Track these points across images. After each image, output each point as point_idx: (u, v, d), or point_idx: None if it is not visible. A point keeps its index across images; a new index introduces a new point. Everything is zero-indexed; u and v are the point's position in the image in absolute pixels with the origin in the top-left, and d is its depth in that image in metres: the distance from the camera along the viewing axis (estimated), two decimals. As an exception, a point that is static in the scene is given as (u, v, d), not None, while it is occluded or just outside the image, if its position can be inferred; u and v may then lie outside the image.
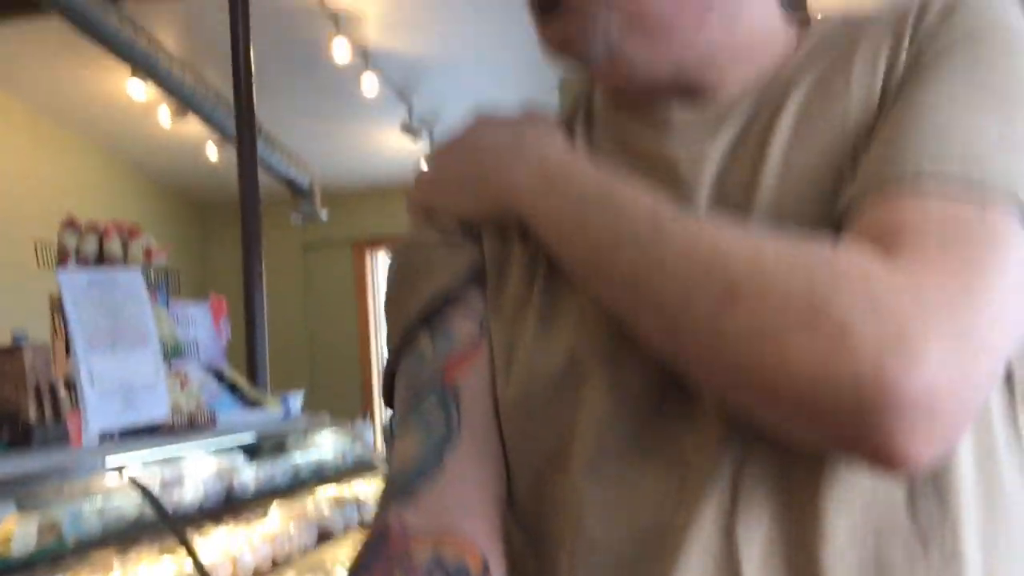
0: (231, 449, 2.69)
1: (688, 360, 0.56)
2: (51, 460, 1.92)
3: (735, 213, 0.60)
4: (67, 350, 2.18)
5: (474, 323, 0.67)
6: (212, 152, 5.76)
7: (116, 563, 2.19)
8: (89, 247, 2.40)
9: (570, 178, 0.62)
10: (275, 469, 2.80)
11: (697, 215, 0.60)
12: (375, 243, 7.12)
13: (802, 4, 0.70)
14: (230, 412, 2.68)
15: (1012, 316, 0.51)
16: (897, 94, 0.59)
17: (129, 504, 2.16)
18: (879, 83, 0.60)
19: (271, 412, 2.87)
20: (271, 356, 3.82)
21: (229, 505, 2.53)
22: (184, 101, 4.76)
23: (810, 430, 0.52)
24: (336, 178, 6.55)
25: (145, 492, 2.13)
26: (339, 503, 3.12)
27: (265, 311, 3.77)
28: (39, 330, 2.30)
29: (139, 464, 2.28)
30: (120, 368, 2.19)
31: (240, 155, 4.09)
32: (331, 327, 7.05)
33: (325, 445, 3.24)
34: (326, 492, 3.13)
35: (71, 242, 2.40)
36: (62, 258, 2.39)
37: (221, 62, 4.29)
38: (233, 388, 2.82)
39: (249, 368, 3.57)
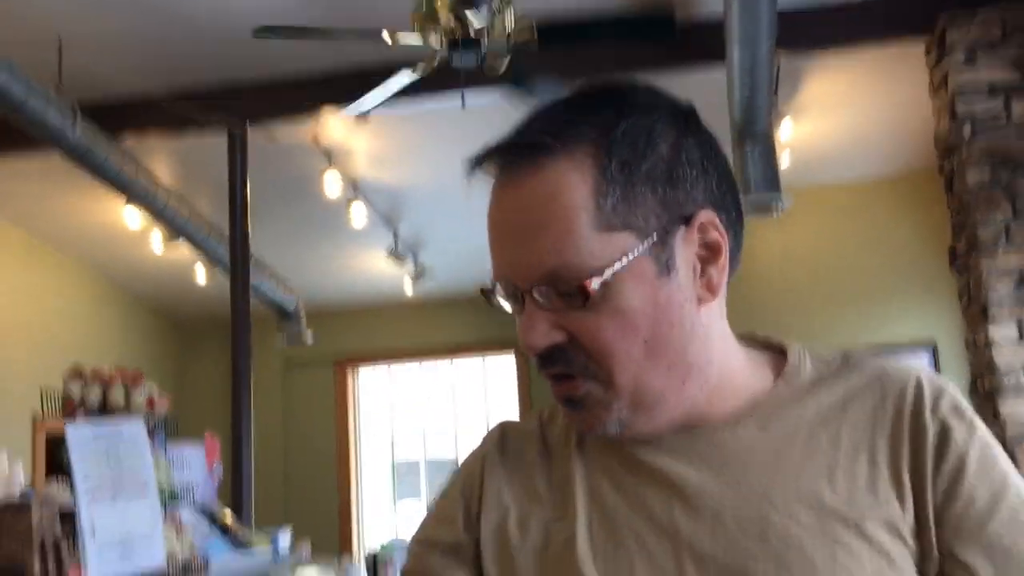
0: (221, 593, 2.74)
1: None
2: (54, 617, 1.97)
3: (744, 541, 0.73)
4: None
5: None
6: (200, 275, 5.88)
7: None
8: (93, 396, 2.49)
9: None
10: (263, 611, 2.84)
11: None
12: (357, 360, 7.20)
13: (770, 344, 0.86)
14: (222, 555, 2.73)
15: None
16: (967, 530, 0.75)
17: (123, 656, 2.19)
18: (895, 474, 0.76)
19: (260, 554, 2.92)
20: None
21: (217, 650, 2.57)
22: (177, 229, 4.91)
23: None
24: (321, 299, 6.68)
25: (139, 643, 2.17)
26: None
27: (252, 444, 3.83)
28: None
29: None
30: (120, 519, 2.26)
31: (233, 285, 4.21)
32: (310, 445, 7.06)
33: (311, 582, 3.28)
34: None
35: (76, 391, 2.49)
36: (67, 407, 2.48)
37: (215, 193, 4.46)
38: (224, 530, 2.87)
39: (235, 502, 3.62)
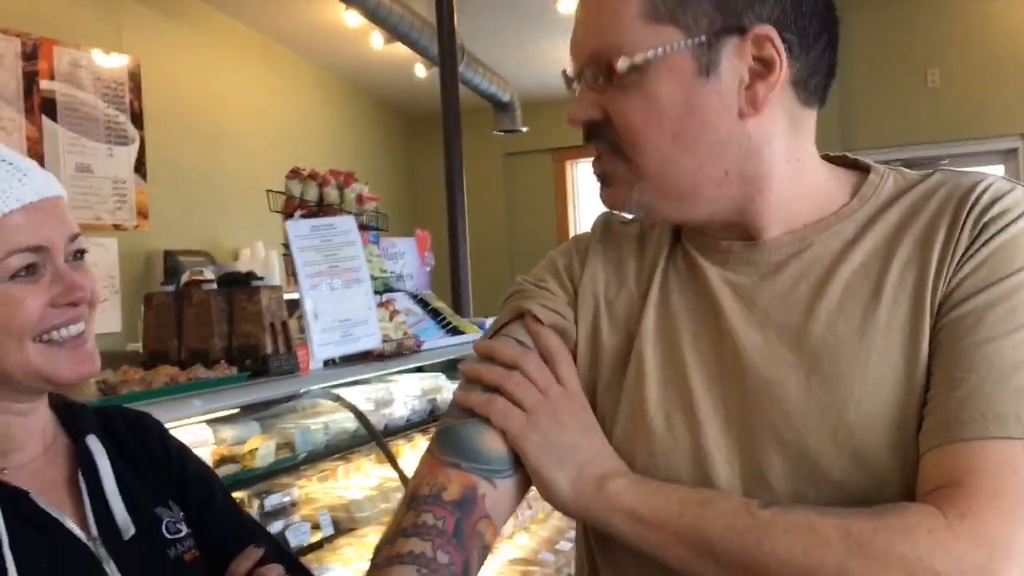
0: (434, 371, 3.01)
1: None
2: (285, 387, 2.27)
3: (779, 341, 0.78)
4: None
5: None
6: (420, 71, 6.04)
7: (339, 472, 2.57)
8: (311, 194, 2.72)
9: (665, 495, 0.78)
10: (473, 387, 3.10)
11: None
12: (575, 153, 7.26)
13: (857, 163, 0.85)
14: (433, 337, 2.98)
15: None
16: (949, 316, 0.75)
17: (348, 422, 2.51)
18: (919, 287, 0.77)
19: (470, 336, 3.15)
20: (472, 257, 4.07)
21: (433, 420, 2.86)
22: (391, 28, 5.03)
23: None
24: (535, 90, 6.70)
25: (358, 413, 2.47)
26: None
27: (467, 234, 4.01)
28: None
29: (356, 387, 2.64)
30: (338, 305, 2.51)
31: (443, 75, 4.29)
32: (532, 236, 7.32)
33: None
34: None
35: (296, 189, 2.72)
36: (289, 203, 2.72)
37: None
38: (435, 315, 3.12)
39: (453, 292, 3.85)
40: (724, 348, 0.82)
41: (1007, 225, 0.76)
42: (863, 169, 0.87)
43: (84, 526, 0.96)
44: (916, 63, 6.00)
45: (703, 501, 0.75)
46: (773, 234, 0.83)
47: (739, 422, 0.80)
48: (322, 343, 2.45)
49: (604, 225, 0.96)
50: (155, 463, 1.08)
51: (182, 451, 1.13)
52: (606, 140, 0.83)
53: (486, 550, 0.81)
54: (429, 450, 0.86)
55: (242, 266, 4.77)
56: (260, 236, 5.38)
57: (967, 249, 0.76)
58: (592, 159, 0.87)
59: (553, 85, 6.85)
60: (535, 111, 6.62)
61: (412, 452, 2.78)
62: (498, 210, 7.30)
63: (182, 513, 1.05)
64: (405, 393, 2.81)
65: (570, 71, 0.85)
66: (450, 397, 3.14)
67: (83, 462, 0.99)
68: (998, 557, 0.65)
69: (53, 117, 4.43)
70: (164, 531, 1.01)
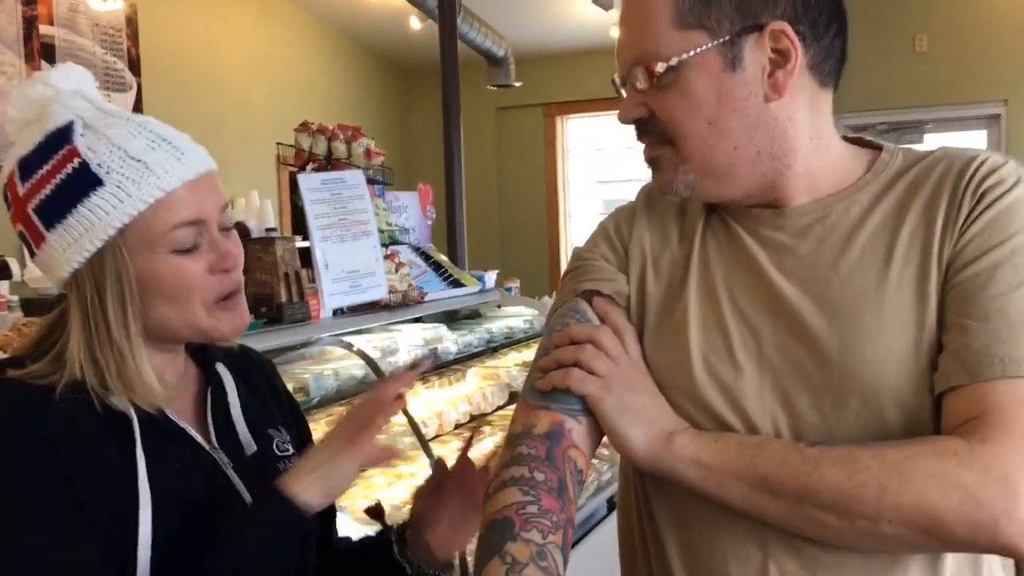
0: (434, 321, 3.12)
1: (853, 544, 0.85)
2: (299, 334, 2.37)
3: (805, 292, 0.92)
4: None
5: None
6: (415, 23, 6.06)
7: (347, 416, 2.68)
8: (320, 148, 2.79)
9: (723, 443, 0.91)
10: (472, 337, 3.21)
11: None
12: (565, 109, 7.31)
13: (871, 143, 0.98)
14: (435, 289, 3.08)
15: None
16: (955, 274, 0.88)
17: (357, 368, 2.61)
18: (929, 249, 0.90)
19: (469, 288, 3.26)
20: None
21: (435, 368, 2.97)
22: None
23: (969, 549, 0.84)
24: (528, 45, 6.73)
25: (367, 359, 2.57)
26: (527, 366, 3.51)
27: (464, 187, 4.09)
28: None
29: (362, 336, 2.74)
30: (347, 256, 2.61)
31: (441, 30, 4.33)
32: (522, 190, 7.40)
33: (515, 316, 3.63)
34: (516, 357, 3.54)
35: (305, 142, 2.80)
36: (299, 157, 2.80)
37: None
38: (437, 267, 3.22)
39: (449, 244, 3.95)
40: (759, 297, 0.95)
41: (1004, 193, 0.89)
42: (876, 147, 1.00)
43: (208, 439, 1.08)
44: (905, 28, 6.09)
45: (758, 444, 0.88)
46: (799, 202, 0.96)
47: (771, 362, 0.92)
48: (332, 293, 2.55)
49: (647, 195, 1.09)
50: (267, 391, 1.21)
51: (286, 388, 1.27)
52: (654, 133, 0.96)
53: (580, 474, 0.94)
54: (521, 398, 0.99)
55: (237, 215, 4.84)
56: (254, 186, 5.43)
57: (968, 215, 0.89)
58: (636, 138, 1.00)
59: (547, 40, 6.89)
60: (528, 66, 6.65)
61: (414, 399, 2.90)
62: (489, 164, 7.36)
63: (288, 436, 1.17)
64: (408, 342, 2.91)
65: (616, 78, 0.97)
66: (450, 347, 3.21)
67: (212, 385, 1.12)
68: (1015, 468, 0.78)
69: (52, 62, 4.44)
70: (275, 448, 1.14)
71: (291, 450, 1.16)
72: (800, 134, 0.94)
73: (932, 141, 6.18)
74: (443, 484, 1.18)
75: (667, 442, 0.92)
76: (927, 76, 6.05)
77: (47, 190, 0.99)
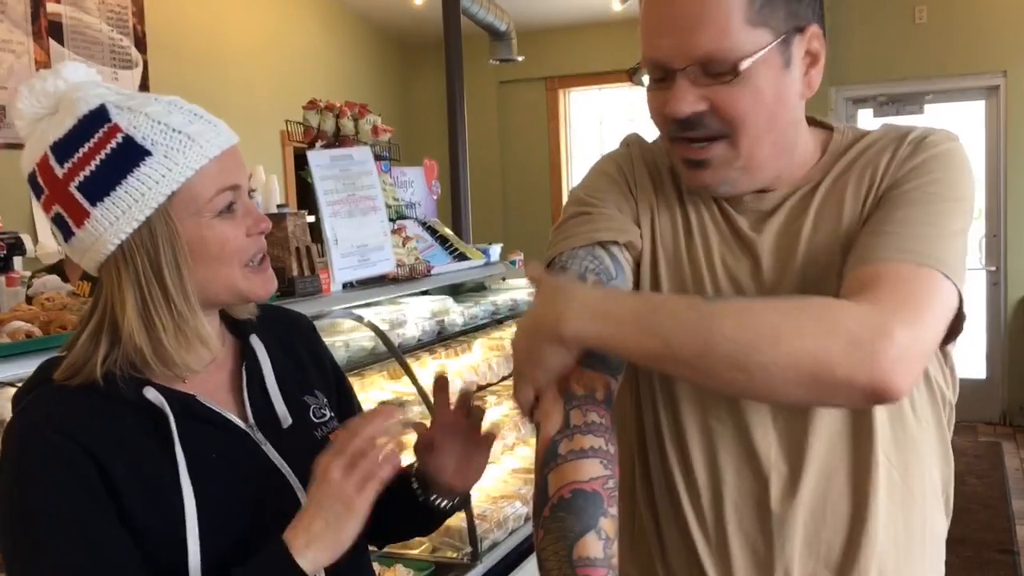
0: (440, 294, 3.20)
1: (762, 391, 0.91)
2: (310, 307, 2.45)
3: (783, 264, 1.02)
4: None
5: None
6: (417, -3, 6.08)
7: (356, 387, 2.76)
8: (328, 125, 2.86)
9: (616, 300, 0.95)
10: (477, 309, 3.29)
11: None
12: (568, 82, 7.33)
13: (823, 123, 1.09)
14: (442, 262, 3.16)
15: (939, 320, 0.91)
16: (876, 206, 0.98)
17: (367, 339, 2.69)
18: (864, 198, 1.00)
19: (475, 261, 3.33)
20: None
21: (441, 340, 3.05)
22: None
23: (848, 395, 0.88)
24: (531, 18, 6.74)
25: (377, 330, 2.65)
26: (530, 338, 3.59)
27: (467, 161, 4.15)
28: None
29: (370, 309, 2.82)
30: (356, 231, 2.68)
31: (445, 7, 4.37)
32: (525, 164, 7.44)
33: (519, 288, 3.71)
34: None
35: (314, 120, 2.86)
36: (307, 134, 2.86)
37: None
38: (443, 241, 3.29)
39: (454, 218, 4.02)
40: (740, 261, 1.05)
41: (936, 146, 0.99)
42: (828, 128, 1.09)
43: (243, 416, 1.11)
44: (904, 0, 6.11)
45: (655, 305, 0.93)
46: (777, 186, 1.05)
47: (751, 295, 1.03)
48: (342, 267, 2.62)
49: (639, 145, 1.16)
50: (305, 355, 1.24)
51: (325, 347, 1.31)
52: (709, 127, 0.98)
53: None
54: None
55: (244, 190, 4.89)
56: (259, 161, 5.48)
57: (904, 161, 0.99)
58: (681, 147, 1.02)
59: (549, 13, 6.90)
60: (530, 40, 6.67)
61: (422, 369, 2.98)
62: (492, 138, 7.39)
63: (325, 400, 1.22)
64: (416, 315, 2.99)
65: (649, 70, 1.00)
66: (457, 319, 3.29)
67: (247, 359, 1.16)
68: (891, 319, 0.86)
69: (60, 40, 4.49)
70: (311, 416, 1.18)
71: (327, 415, 1.19)
72: (801, 125, 1.04)
73: (931, 112, 6.22)
74: (442, 434, 1.20)
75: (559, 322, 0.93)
76: (926, 48, 6.07)
77: (92, 166, 1.01)
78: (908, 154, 1.00)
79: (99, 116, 1.03)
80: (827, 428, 1.02)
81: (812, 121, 1.09)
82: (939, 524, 1.09)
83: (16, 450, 1.00)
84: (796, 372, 0.85)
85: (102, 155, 1.02)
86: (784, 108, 0.99)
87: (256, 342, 1.18)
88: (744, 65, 0.94)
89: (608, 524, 0.89)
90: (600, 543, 0.86)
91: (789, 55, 0.97)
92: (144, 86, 4.84)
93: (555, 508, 0.89)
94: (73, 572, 0.95)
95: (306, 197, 2.62)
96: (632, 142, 1.16)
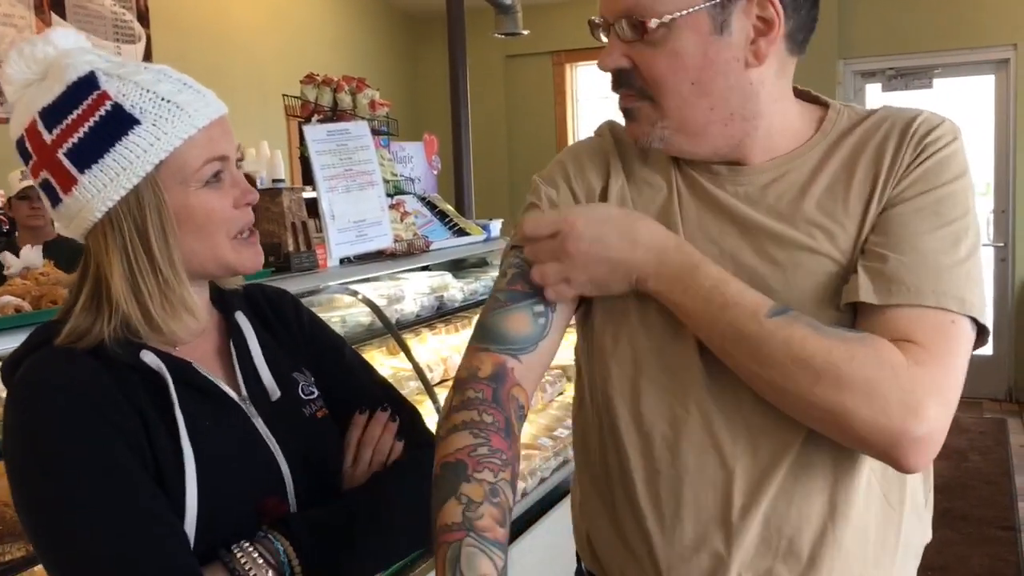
0: (440, 270, 3.20)
1: (786, 408, 0.93)
2: (306, 282, 2.45)
3: (768, 241, 0.99)
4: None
5: None
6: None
7: (355, 361, 2.77)
8: (325, 99, 2.84)
9: (692, 274, 0.96)
10: (477, 285, 3.29)
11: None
12: (574, 56, 7.28)
13: (817, 99, 1.04)
14: (441, 238, 3.15)
15: (964, 370, 0.92)
16: (884, 215, 0.96)
17: (363, 315, 2.70)
18: (867, 199, 0.98)
19: (475, 237, 3.33)
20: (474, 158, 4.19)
21: (440, 315, 3.06)
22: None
23: (861, 448, 0.92)
24: (537, -9, 6.68)
25: (373, 306, 2.65)
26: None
27: (471, 136, 4.13)
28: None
29: (368, 284, 2.82)
30: (353, 206, 2.67)
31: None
32: (531, 138, 7.40)
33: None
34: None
35: (311, 94, 2.85)
36: (304, 108, 2.85)
37: None
38: (443, 216, 3.28)
39: (456, 194, 4.00)
40: (727, 239, 1.02)
41: (939, 149, 0.97)
42: (822, 104, 1.06)
43: (236, 389, 1.12)
44: (915, -29, 6.03)
45: (722, 305, 0.95)
46: (757, 161, 1.03)
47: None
48: (338, 242, 2.62)
49: (611, 132, 1.14)
50: (291, 333, 1.24)
51: (313, 322, 1.29)
52: (633, 86, 1.00)
53: (523, 410, 1.01)
54: (469, 342, 1.05)
55: (248, 166, 4.89)
56: (264, 136, 5.47)
57: (909, 164, 0.97)
58: (619, 97, 1.04)
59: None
60: (536, 13, 6.62)
61: (421, 345, 2.99)
62: (498, 113, 7.36)
63: (313, 377, 1.21)
64: (414, 290, 2.99)
65: (598, 23, 1.01)
66: (456, 295, 3.29)
67: (234, 335, 1.16)
68: (929, 394, 0.87)
69: (62, 15, 4.48)
70: (300, 393, 1.18)
71: (315, 392, 1.19)
72: (768, 98, 1.00)
73: (941, 86, 6.15)
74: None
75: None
76: (935, 21, 6.00)
77: (80, 133, 1.01)
78: (913, 157, 0.98)
79: (88, 83, 1.03)
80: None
81: (807, 95, 1.07)
82: (915, 535, 1.07)
83: (35, 406, 0.99)
84: (821, 413, 0.90)
85: (91, 122, 1.02)
86: (717, 75, 0.96)
87: (242, 318, 1.18)
88: (653, 24, 0.94)
89: (471, 488, 0.89)
90: (459, 507, 0.88)
91: (725, 20, 0.95)
92: (147, 59, 4.82)
93: (432, 487, 0.93)
94: (128, 518, 0.94)
95: (310, 172, 2.61)
96: (603, 132, 1.15)
